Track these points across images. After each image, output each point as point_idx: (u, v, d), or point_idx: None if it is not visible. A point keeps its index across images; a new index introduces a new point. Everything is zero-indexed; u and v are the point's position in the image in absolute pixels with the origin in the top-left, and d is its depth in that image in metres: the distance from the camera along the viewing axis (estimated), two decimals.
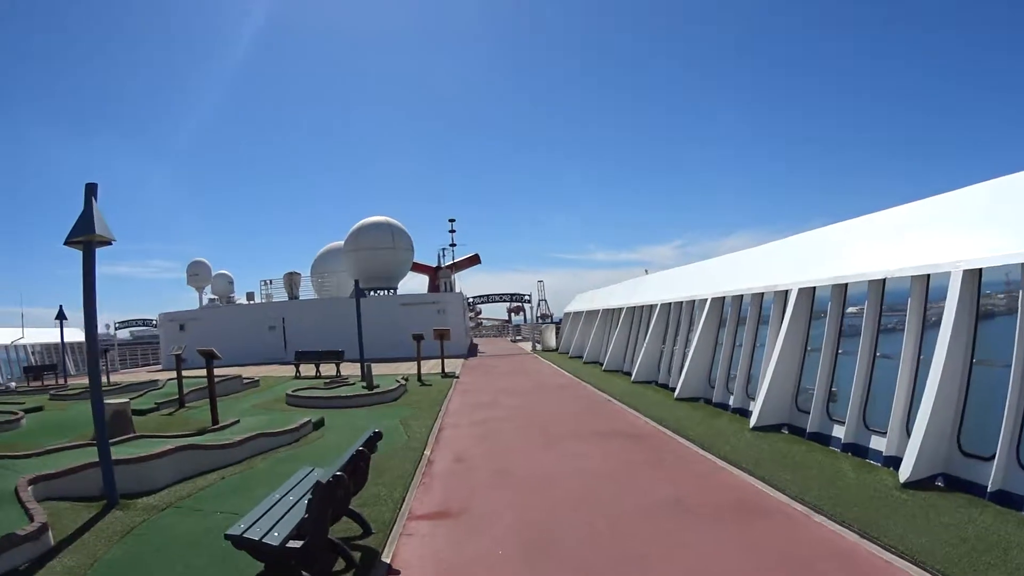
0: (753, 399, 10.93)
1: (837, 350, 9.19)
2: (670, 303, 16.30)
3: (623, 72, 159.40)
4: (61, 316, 26.14)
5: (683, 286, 16.06)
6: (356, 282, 21.46)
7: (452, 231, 49.72)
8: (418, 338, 19.96)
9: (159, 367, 36.80)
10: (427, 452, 9.43)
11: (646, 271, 22.59)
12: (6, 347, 30.13)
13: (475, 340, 53.84)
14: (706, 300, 13.63)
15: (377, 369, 25.17)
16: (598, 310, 24.55)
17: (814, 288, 9.97)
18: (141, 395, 17.19)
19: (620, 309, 20.96)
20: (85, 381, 26.82)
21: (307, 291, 38.66)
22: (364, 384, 16.56)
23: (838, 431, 8.53)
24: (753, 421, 10.02)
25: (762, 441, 9.08)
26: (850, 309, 9.15)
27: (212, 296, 41.14)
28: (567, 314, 32.49)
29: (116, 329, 40.58)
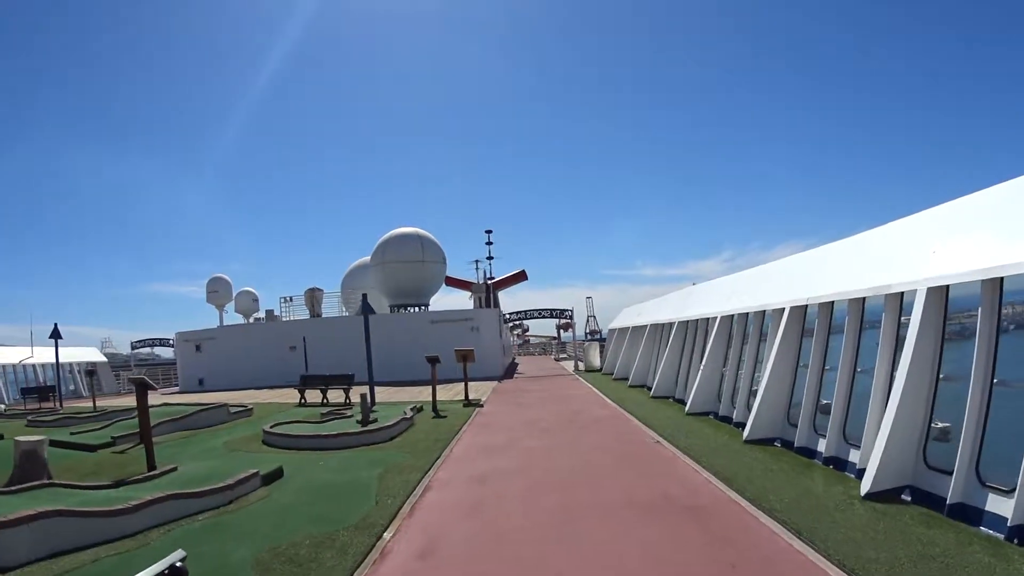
0: (857, 445, 7.79)
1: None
2: (732, 315, 13.00)
3: (676, 88, 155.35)
4: (56, 335, 24.60)
5: (751, 292, 12.70)
6: (364, 296, 18.89)
7: (489, 243, 47.01)
8: (432, 361, 17.13)
9: (176, 389, 35.28)
10: (388, 535, 6.51)
11: (693, 284, 19.32)
12: (13, 367, 28.79)
13: (518, 358, 50.92)
14: (783, 310, 10.35)
15: (398, 394, 22.74)
16: (645, 325, 21.25)
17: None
18: (107, 425, 14.88)
19: (671, 324, 17.67)
20: (82, 404, 25.48)
21: (334, 309, 36.47)
22: (360, 418, 13.78)
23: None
24: (865, 487, 6.79)
25: (881, 521, 5.82)
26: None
27: (237, 314, 39.65)
28: (612, 331, 29.18)
29: (132, 348, 39.21)
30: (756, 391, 10.74)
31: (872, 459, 6.89)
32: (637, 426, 12.76)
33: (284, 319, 35.86)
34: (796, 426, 9.38)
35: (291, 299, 36.09)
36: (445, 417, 15.40)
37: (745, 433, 10.25)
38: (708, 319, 14.45)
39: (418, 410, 16.73)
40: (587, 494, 7.69)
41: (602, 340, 36.13)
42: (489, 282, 48.17)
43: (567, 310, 33.37)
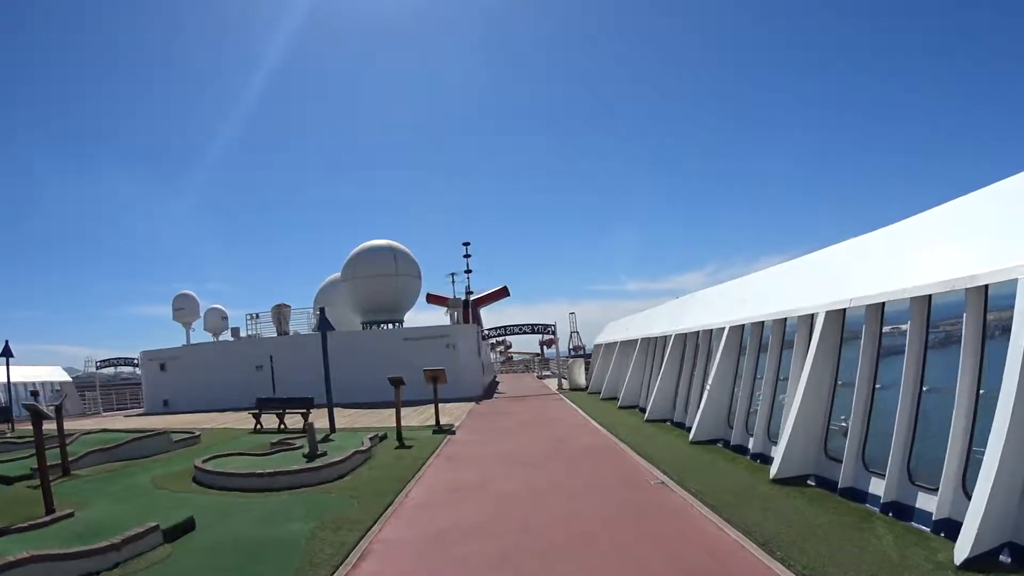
0: (935, 490, 5.84)
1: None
2: (743, 324, 11.10)
3: (655, 96, 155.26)
4: (7, 353, 22.22)
5: (764, 297, 10.80)
6: (321, 310, 16.85)
7: (467, 255, 44.85)
8: (396, 383, 15.01)
9: (141, 410, 32.76)
10: None
11: (676, 298, 17.65)
12: None
13: (500, 376, 48.75)
14: (815, 315, 8.45)
15: (365, 418, 20.55)
16: (635, 340, 19.33)
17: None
18: (34, 455, 12.60)
19: (666, 337, 15.75)
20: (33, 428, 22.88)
21: (305, 326, 34.10)
22: (308, 451, 11.63)
23: None
24: (962, 553, 4.86)
25: None
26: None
27: (207, 332, 37.20)
28: (598, 346, 27.24)
29: (97, 368, 36.51)
30: (783, 415, 8.83)
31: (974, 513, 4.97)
32: (634, 460, 10.74)
33: (250, 337, 33.48)
34: (838, 461, 7.45)
35: (257, 316, 33.73)
36: (410, 447, 13.29)
37: (773, 470, 8.29)
38: (712, 330, 12.55)
39: (381, 438, 14.61)
40: (580, 568, 5.64)
41: (587, 356, 34.20)
42: (470, 298, 46.17)
43: (550, 325, 31.37)
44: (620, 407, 18.39)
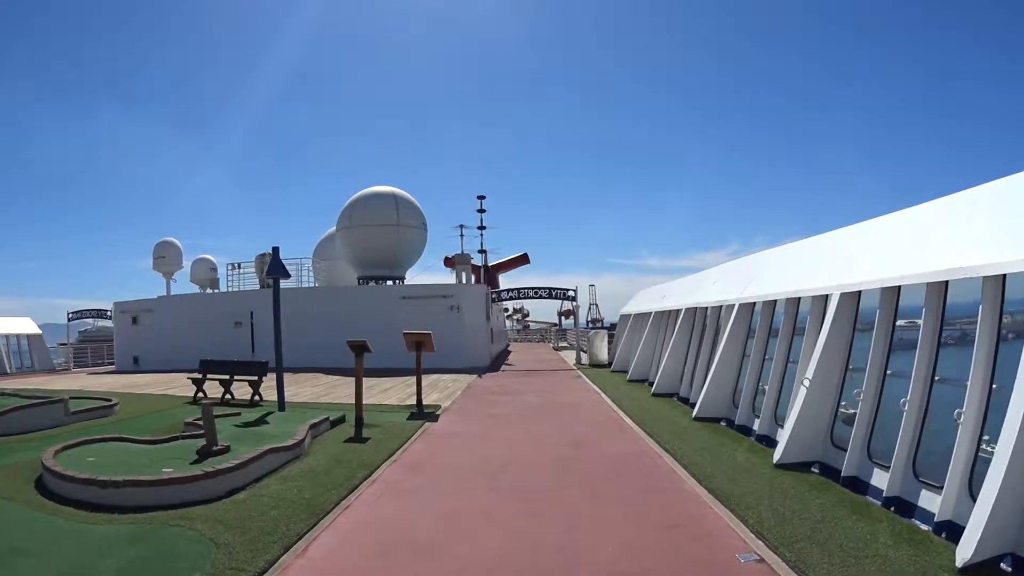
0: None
1: None
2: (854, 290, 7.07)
3: (688, 86, 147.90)
4: None
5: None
6: (274, 250, 12.93)
7: (481, 210, 40.53)
8: (358, 348, 11.19)
9: (112, 367, 29.65)
10: None
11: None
12: None
13: (513, 345, 45.03)
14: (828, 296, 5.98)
15: (344, 388, 16.98)
16: (677, 310, 15.26)
17: None
18: None
19: (728, 305, 11.60)
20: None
21: (294, 280, 30.49)
22: (203, 446, 7.90)
23: None
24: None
25: None
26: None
27: (193, 284, 33.85)
28: (624, 317, 23.15)
29: (69, 320, 33.21)
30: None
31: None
32: (694, 492, 6.81)
33: (230, 290, 30.06)
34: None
35: (239, 266, 30.17)
36: (366, 441, 9.52)
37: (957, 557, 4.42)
38: (824, 295, 8.37)
39: (334, 422, 10.90)
40: None
41: (609, 327, 30.18)
42: (488, 263, 42.28)
43: (570, 290, 27.29)
44: (655, 394, 14.39)
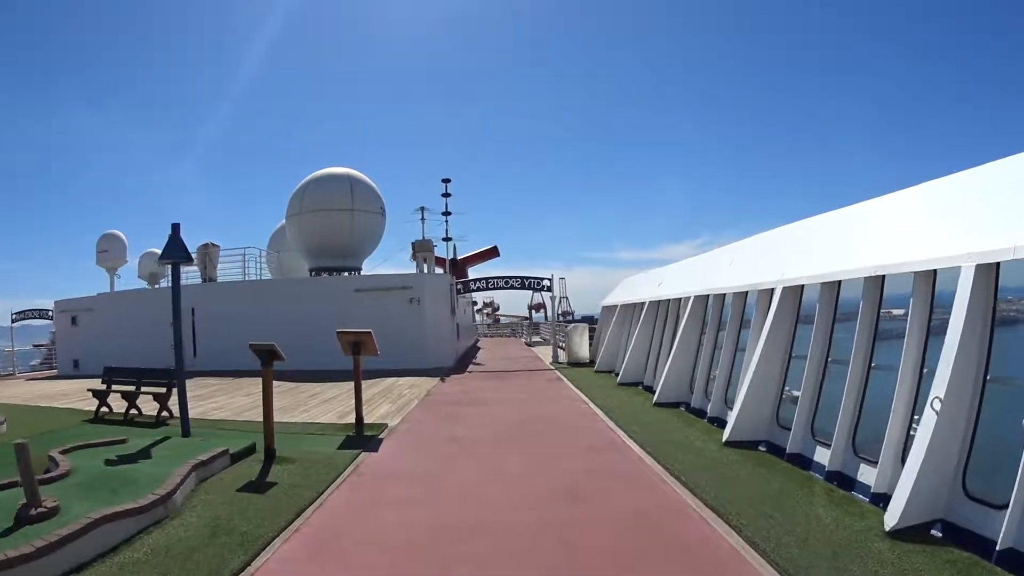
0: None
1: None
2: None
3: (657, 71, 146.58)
4: None
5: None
6: (174, 227, 9.96)
7: (447, 194, 37.49)
8: (267, 354, 8.34)
9: (54, 372, 26.72)
10: None
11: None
12: None
13: (483, 341, 42.32)
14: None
15: (285, 397, 13.98)
16: (678, 299, 12.66)
17: None
18: None
19: (767, 289, 9.02)
20: None
21: (239, 271, 27.21)
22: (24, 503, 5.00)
23: None
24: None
25: None
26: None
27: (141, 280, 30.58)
28: (608, 309, 20.58)
29: (13, 320, 29.66)
30: None
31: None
32: (754, 565, 4.21)
33: (164, 285, 26.78)
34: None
35: None
36: (269, 489, 6.69)
37: None
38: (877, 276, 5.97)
39: (241, 454, 8.06)
40: None
41: (590, 320, 27.56)
42: (457, 256, 39.54)
43: (544, 279, 24.59)
44: (657, 403, 11.74)
